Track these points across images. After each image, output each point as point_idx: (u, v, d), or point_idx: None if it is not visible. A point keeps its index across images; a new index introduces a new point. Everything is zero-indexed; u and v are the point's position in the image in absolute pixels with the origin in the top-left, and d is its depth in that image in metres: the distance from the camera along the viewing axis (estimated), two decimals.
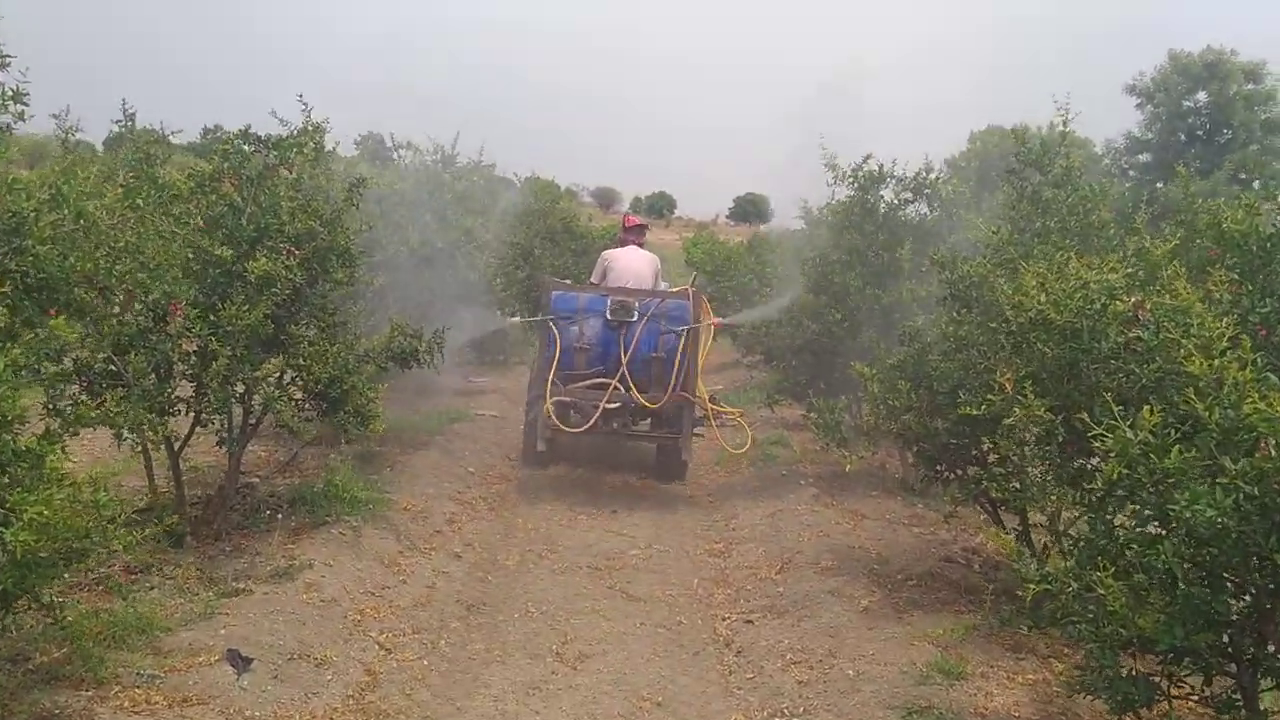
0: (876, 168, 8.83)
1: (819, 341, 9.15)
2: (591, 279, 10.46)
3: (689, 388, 9.39)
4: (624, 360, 9.16)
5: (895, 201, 8.88)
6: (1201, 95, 43.37)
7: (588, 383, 9.29)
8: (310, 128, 6.73)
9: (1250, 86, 42.66)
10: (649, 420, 9.89)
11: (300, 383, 6.53)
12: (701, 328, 9.57)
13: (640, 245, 10.55)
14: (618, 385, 9.15)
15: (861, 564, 7.19)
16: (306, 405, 6.73)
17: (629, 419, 9.62)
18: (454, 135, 12.32)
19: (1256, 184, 42.76)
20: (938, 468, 6.66)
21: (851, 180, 8.83)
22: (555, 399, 9.12)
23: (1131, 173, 43.04)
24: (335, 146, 10.23)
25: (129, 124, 7.10)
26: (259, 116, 6.86)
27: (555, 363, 9.21)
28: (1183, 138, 43.69)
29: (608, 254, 10.50)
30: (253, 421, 6.68)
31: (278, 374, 6.38)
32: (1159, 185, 41.59)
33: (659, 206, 72.74)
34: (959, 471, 6.36)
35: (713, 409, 9.74)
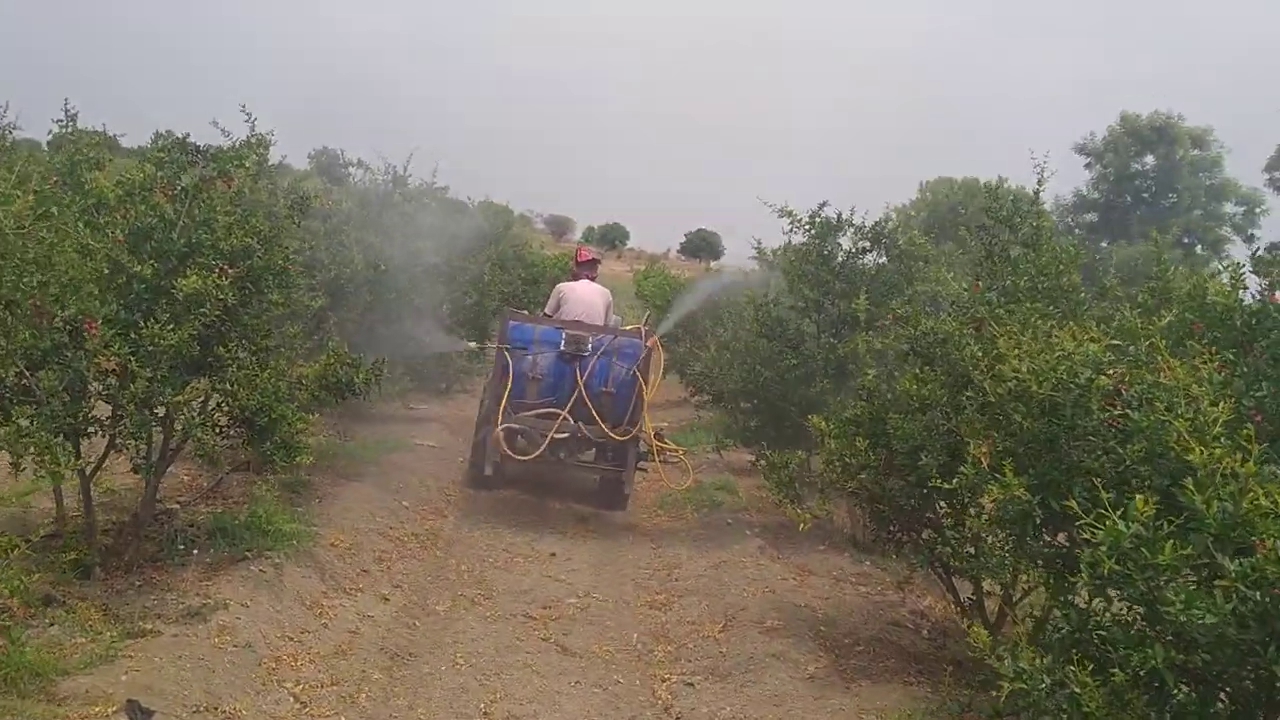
0: (835, 215, 8.66)
1: (771, 387, 8.89)
2: (545, 310, 10.68)
3: (635, 423, 9.66)
4: (579, 392, 9.43)
5: (852, 250, 8.69)
6: (1149, 158, 44.25)
7: (537, 412, 9.50)
8: (254, 140, 6.40)
9: (1196, 152, 43.59)
10: (594, 451, 10.16)
11: (226, 409, 6.14)
12: (652, 366, 9.79)
13: (593, 279, 10.78)
14: (567, 416, 9.39)
15: (808, 624, 6.92)
16: (231, 432, 6.33)
17: (576, 449, 9.88)
18: (407, 156, 11.97)
19: (1199, 248, 43.82)
20: (891, 528, 6.42)
21: (808, 226, 8.62)
22: (505, 425, 9.30)
23: (1077, 230, 43.63)
24: (283, 159, 9.90)
25: (70, 124, 6.71)
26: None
27: (508, 390, 9.38)
28: (1129, 199, 44.47)
29: (562, 286, 10.70)
30: (173, 447, 6.26)
31: (202, 398, 5.99)
32: (1104, 244, 42.27)
33: (611, 237, 72.64)
34: (913, 534, 6.12)
35: (658, 445, 9.92)
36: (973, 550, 5.12)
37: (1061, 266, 6.09)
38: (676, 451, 10.19)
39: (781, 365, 8.62)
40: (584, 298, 10.39)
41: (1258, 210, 42.55)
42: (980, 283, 6.36)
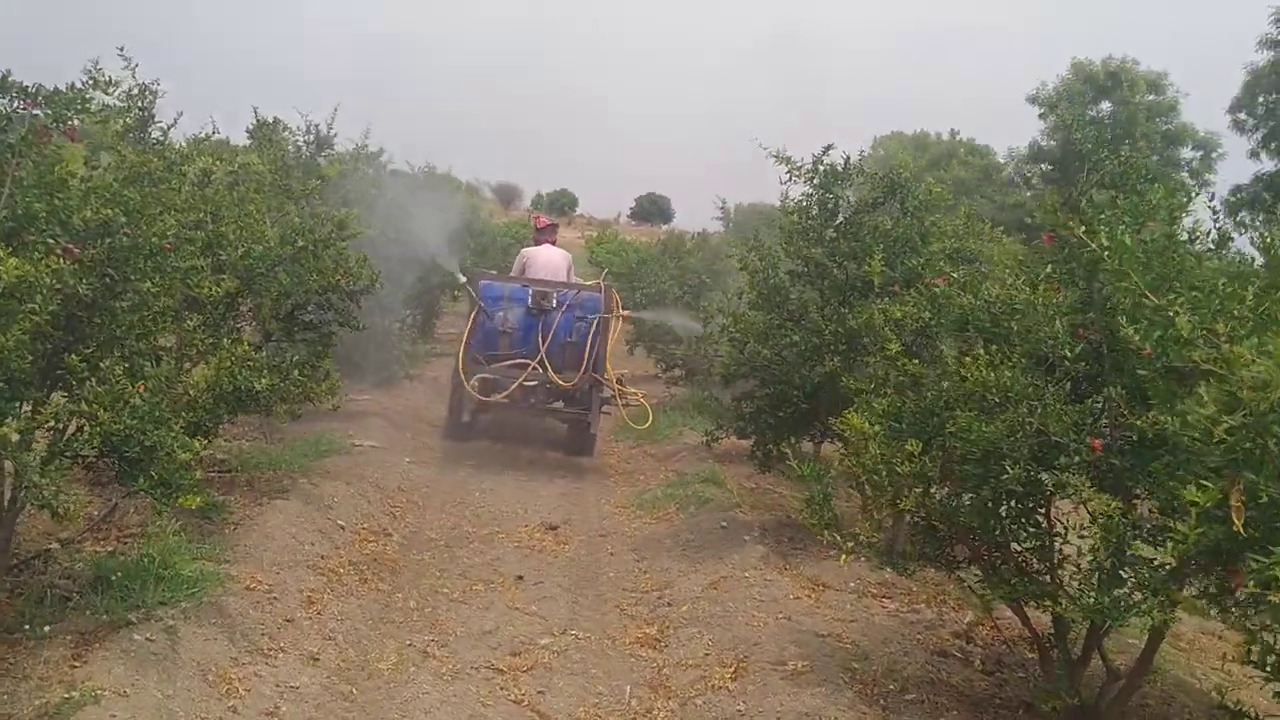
0: (841, 161, 7.28)
1: (770, 369, 7.54)
2: (512, 273, 11.57)
3: (599, 370, 10.59)
4: (546, 343, 10.31)
5: (862, 202, 7.32)
6: (1105, 105, 43.34)
7: (508, 363, 10.36)
8: (135, 91, 4.94)
9: (1152, 98, 42.77)
10: (562, 399, 10.91)
11: (87, 435, 4.68)
12: (611, 318, 10.79)
13: (553, 243, 11.85)
14: (536, 366, 10.25)
15: (837, 662, 5.63)
16: (100, 464, 4.89)
17: (545, 397, 10.70)
18: (330, 113, 10.44)
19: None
20: (946, 549, 5.13)
21: (811, 176, 7.25)
22: (480, 375, 10.27)
23: (1034, 181, 42.76)
24: (213, 132, 8.38)
25: None
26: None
27: (477, 343, 10.38)
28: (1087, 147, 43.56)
29: (526, 251, 11.82)
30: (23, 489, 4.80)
31: (50, 422, 4.53)
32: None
33: (560, 204, 70.98)
34: (987, 559, 4.83)
35: (619, 390, 10.93)
36: (1094, 600, 3.83)
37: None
38: (637, 395, 11.10)
39: (781, 341, 7.27)
40: (547, 260, 11.40)
41: (1214, 154, 41.94)
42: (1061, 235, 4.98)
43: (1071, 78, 43.54)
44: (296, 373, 7.20)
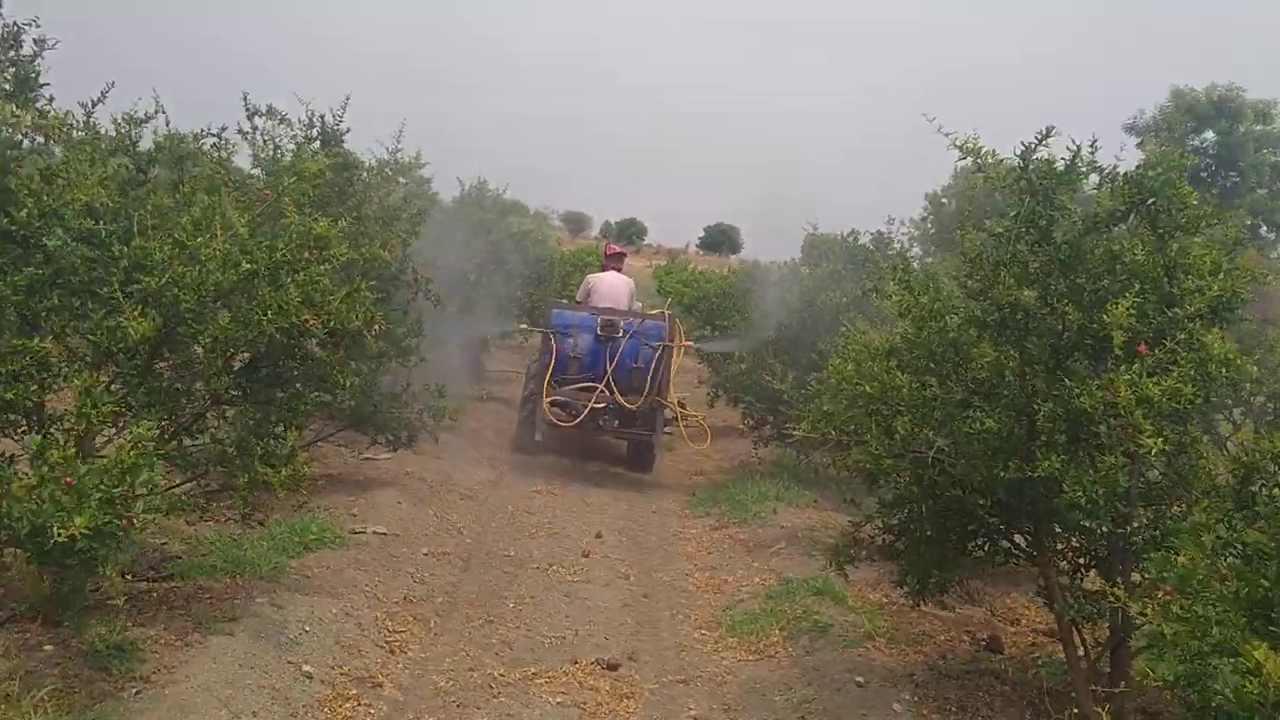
0: (1069, 156, 4.78)
1: (942, 466, 5.00)
2: (577, 297, 12.39)
3: (663, 394, 11.21)
4: (610, 368, 10.99)
5: (1093, 220, 4.80)
6: (1209, 134, 40.24)
7: (577, 386, 11.05)
8: None
9: (1260, 127, 39.70)
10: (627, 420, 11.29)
11: None
12: (674, 345, 11.42)
13: (619, 270, 12.43)
14: (603, 389, 10.93)
15: None
16: None
17: (612, 418, 11.17)
18: (339, 104, 8.16)
19: (1264, 229, 39.85)
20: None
21: (1019, 175, 4.76)
22: (551, 398, 10.91)
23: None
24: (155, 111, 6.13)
25: None
26: None
27: (550, 369, 10.98)
28: (1187, 178, 40.44)
29: (591, 277, 12.42)
30: None
31: None
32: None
33: (629, 233, 69.16)
34: None
35: (680, 412, 11.47)
36: None
37: None
38: (697, 416, 11.76)
39: (964, 426, 4.78)
40: (610, 286, 11.97)
41: None
42: None
43: (1171, 106, 40.62)
44: (234, 452, 4.91)
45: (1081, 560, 5.58)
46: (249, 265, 4.78)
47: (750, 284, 15.34)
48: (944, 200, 56.68)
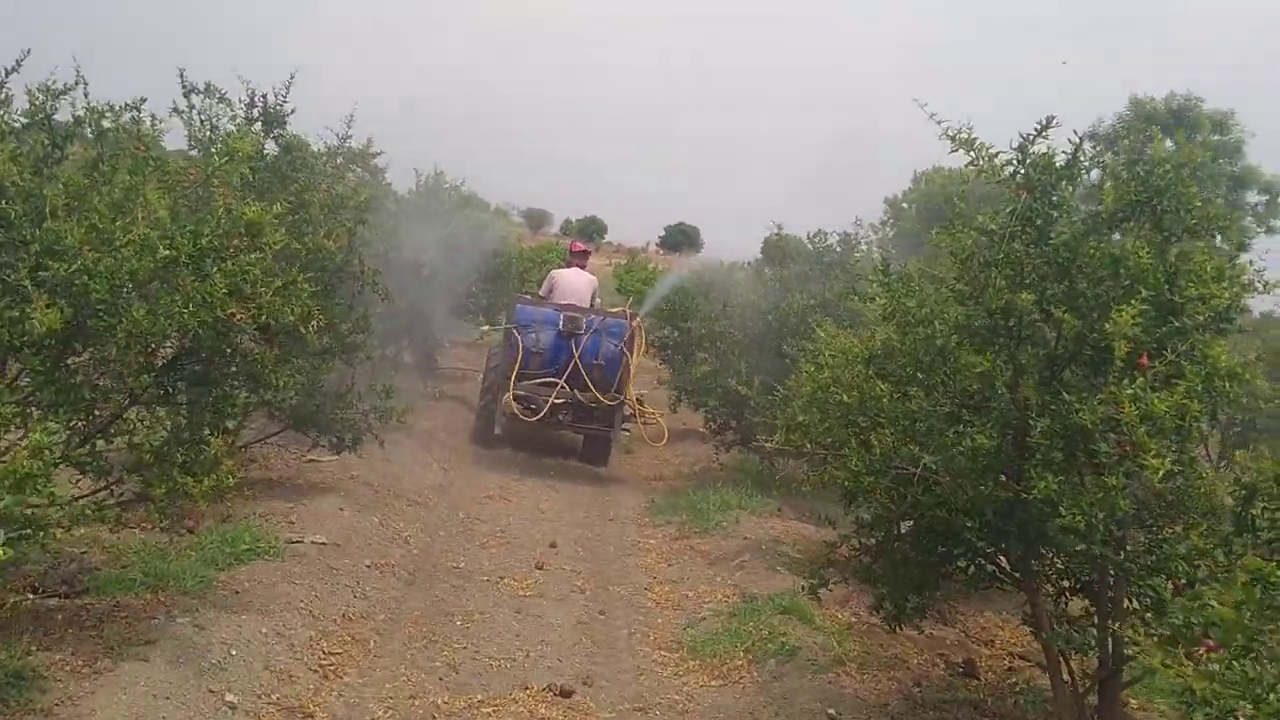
0: (1071, 149, 4.41)
1: (926, 484, 4.60)
2: (540, 292, 12.42)
3: (622, 391, 11.30)
4: (575, 364, 11.09)
5: (1094, 220, 4.44)
6: (1168, 143, 40.42)
7: (539, 381, 11.13)
8: None
9: (1217, 137, 40.00)
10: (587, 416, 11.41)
11: None
12: (635, 343, 11.51)
13: (583, 268, 12.53)
14: (564, 385, 11.07)
15: None
16: None
17: (572, 414, 11.28)
18: (283, 83, 7.60)
19: (1218, 240, 40.21)
20: None
21: (1017, 168, 4.38)
22: (514, 392, 10.91)
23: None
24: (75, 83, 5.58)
25: None
26: None
27: (517, 364, 11.05)
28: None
29: (555, 273, 12.49)
30: None
31: None
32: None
33: (589, 230, 68.77)
34: None
35: (639, 410, 11.61)
36: None
37: None
38: (655, 414, 11.77)
39: (950, 441, 4.39)
40: (573, 283, 12.07)
41: None
42: None
43: (1130, 115, 40.85)
44: (151, 459, 4.43)
45: (1066, 584, 5.25)
46: (168, 252, 4.29)
47: (712, 282, 14.99)
48: (904, 205, 56.79)
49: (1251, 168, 40.46)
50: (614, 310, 12.16)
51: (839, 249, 11.84)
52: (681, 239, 77.66)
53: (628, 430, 11.87)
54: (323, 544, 7.03)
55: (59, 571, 5.81)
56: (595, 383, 11.11)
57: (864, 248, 11.75)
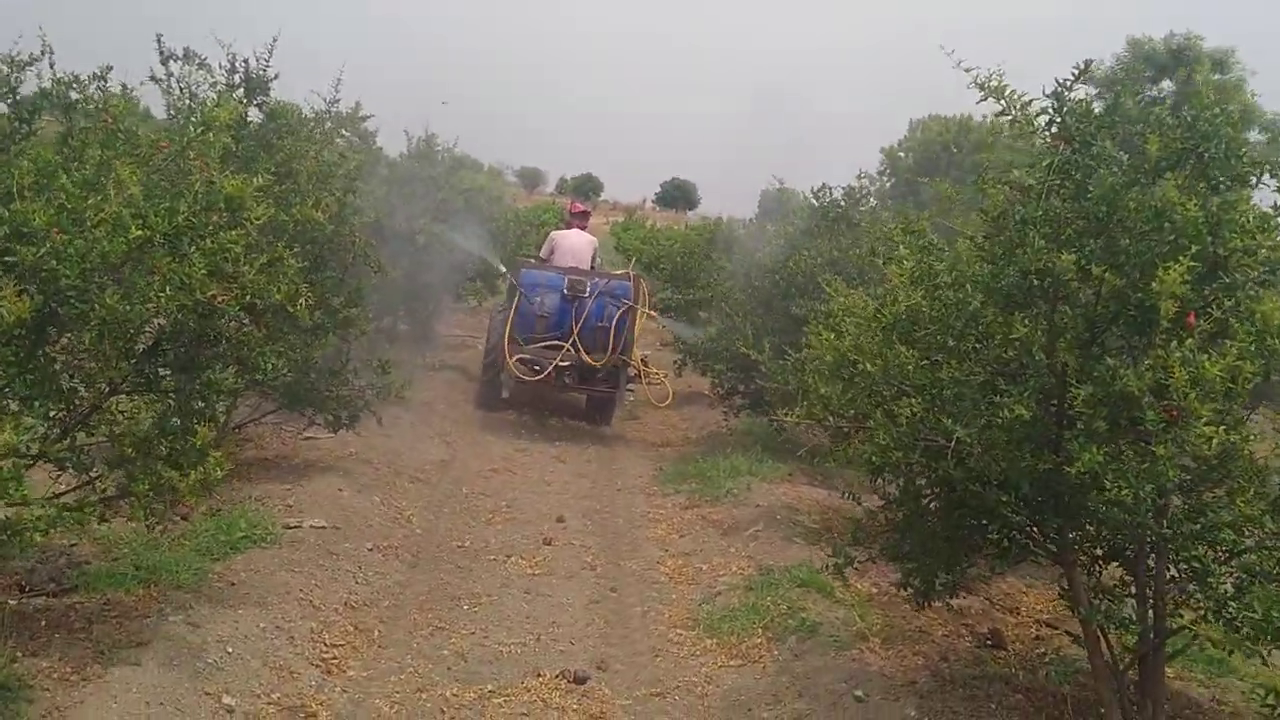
0: (1108, 93, 4.12)
1: (959, 457, 4.31)
2: (540, 253, 12.48)
3: (627, 353, 11.43)
4: (576, 327, 11.14)
5: (1136, 169, 4.12)
6: (1166, 84, 39.87)
7: (544, 344, 11.15)
8: None
9: (1218, 76, 39.39)
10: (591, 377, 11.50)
11: None
12: (639, 304, 11.55)
13: (583, 228, 12.60)
14: (569, 347, 11.07)
15: None
16: None
17: (577, 375, 11.35)
18: (265, 47, 7.21)
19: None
20: None
21: (1052, 116, 4.05)
22: (518, 355, 10.96)
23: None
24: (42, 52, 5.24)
25: None
26: None
27: (512, 323, 11.13)
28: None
29: (555, 234, 12.61)
30: None
31: None
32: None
33: (585, 189, 68.26)
34: None
35: (644, 370, 11.99)
36: None
37: None
38: (659, 374, 12.13)
39: (985, 412, 4.10)
40: (574, 244, 12.16)
41: None
42: None
43: (1128, 56, 40.23)
44: (132, 453, 4.16)
45: (1099, 552, 4.99)
46: (140, 232, 3.99)
47: (717, 242, 14.66)
48: (901, 154, 55.93)
49: (1251, 105, 39.96)
50: (618, 272, 12.27)
51: (844, 203, 11.50)
52: (678, 195, 77.16)
53: (632, 390, 12.09)
54: (322, 528, 6.79)
55: (46, 568, 5.56)
56: (600, 345, 11.19)
57: (872, 201, 11.35)
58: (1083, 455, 3.88)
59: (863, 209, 11.56)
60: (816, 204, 11.59)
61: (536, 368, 10.99)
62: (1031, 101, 4.19)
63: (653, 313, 12.78)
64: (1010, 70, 4.41)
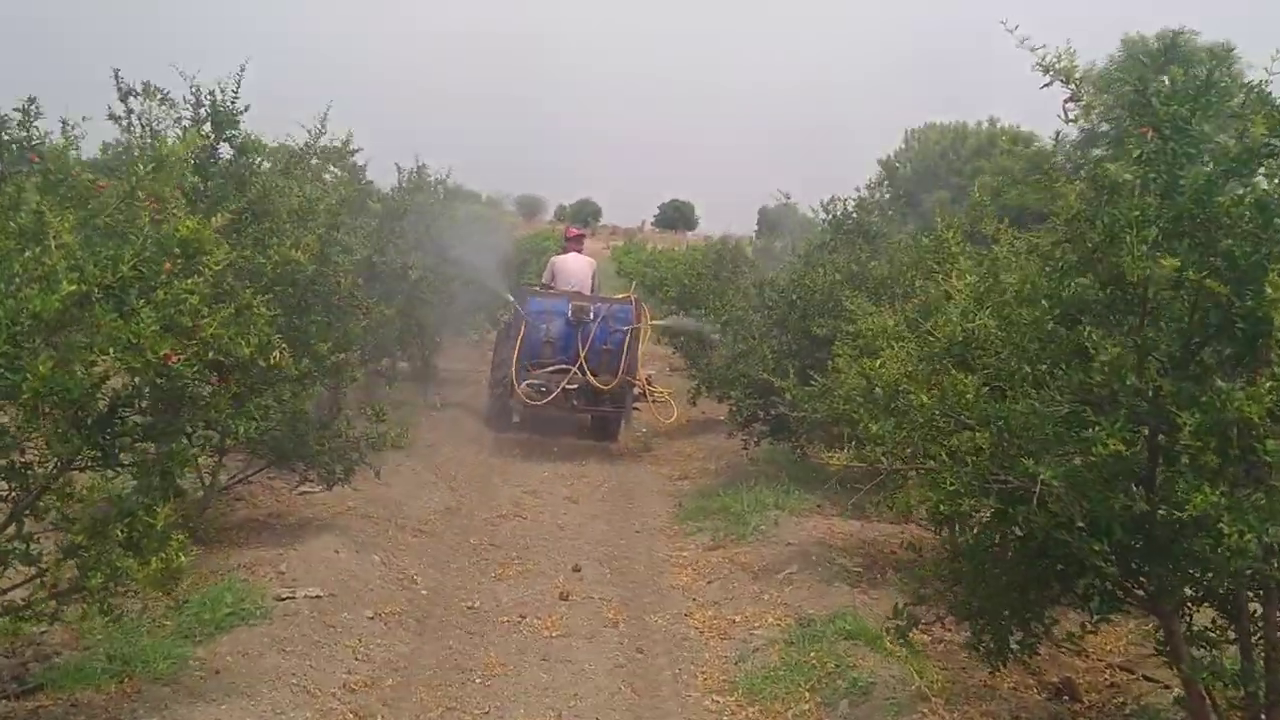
0: (1207, 67, 3.55)
1: (1042, 499, 3.71)
2: (543, 279, 12.93)
3: (632, 374, 11.82)
4: (586, 351, 11.49)
5: (1223, 156, 3.57)
6: (1164, 81, 39.38)
7: (551, 368, 11.46)
8: None
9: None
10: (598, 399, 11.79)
11: None
12: (641, 327, 12.02)
13: (580, 252, 13.05)
14: (576, 371, 11.40)
15: None
16: None
17: (584, 398, 11.67)
18: (233, 76, 6.62)
19: None
20: None
21: (1135, 103, 3.48)
22: (527, 381, 11.28)
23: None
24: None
25: None
26: None
27: (520, 350, 11.40)
28: None
29: (555, 259, 13.05)
30: None
31: None
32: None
33: (584, 214, 67.94)
34: None
35: (649, 390, 12.24)
36: None
37: None
38: (664, 393, 12.50)
39: (1073, 448, 3.51)
40: (573, 267, 12.66)
41: None
42: None
43: (1122, 55, 39.78)
44: (83, 540, 3.58)
45: (1188, 592, 4.39)
46: (74, 286, 3.41)
47: (725, 261, 14.14)
48: (898, 165, 55.46)
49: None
50: (619, 296, 12.84)
51: (855, 215, 10.94)
52: (676, 216, 76.92)
53: (637, 409, 12.57)
54: (317, 596, 6.18)
55: (11, 663, 4.99)
56: (605, 367, 11.51)
57: (888, 213, 10.79)
58: (1194, 497, 3.28)
59: (874, 218, 11.03)
60: (827, 215, 11.05)
61: (543, 389, 11.23)
62: (1086, 71, 3.62)
63: (655, 321, 13.36)
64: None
